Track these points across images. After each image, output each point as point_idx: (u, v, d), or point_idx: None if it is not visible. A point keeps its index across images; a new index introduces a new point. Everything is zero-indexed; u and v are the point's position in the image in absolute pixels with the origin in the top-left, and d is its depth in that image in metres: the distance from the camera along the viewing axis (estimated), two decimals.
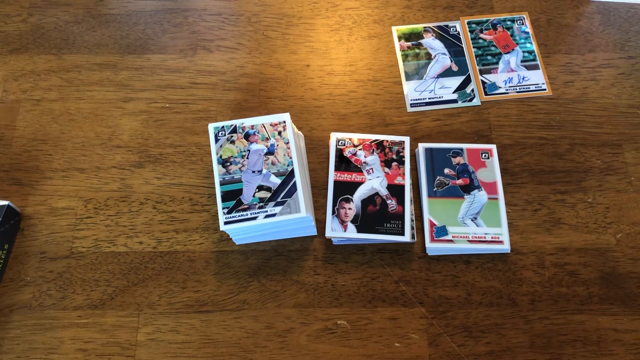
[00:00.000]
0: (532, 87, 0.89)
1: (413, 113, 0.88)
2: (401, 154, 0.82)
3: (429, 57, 0.92)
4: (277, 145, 0.75)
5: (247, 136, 0.76)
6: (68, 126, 0.87)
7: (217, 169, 0.74)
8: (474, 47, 0.92)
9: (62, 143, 0.86)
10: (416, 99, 0.89)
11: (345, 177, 0.81)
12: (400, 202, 0.79)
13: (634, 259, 0.78)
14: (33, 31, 0.94)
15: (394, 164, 0.81)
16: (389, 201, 0.79)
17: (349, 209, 0.78)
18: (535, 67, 0.91)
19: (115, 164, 0.84)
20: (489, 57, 0.92)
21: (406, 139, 0.83)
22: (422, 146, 0.83)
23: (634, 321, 0.74)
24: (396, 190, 0.80)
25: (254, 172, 0.74)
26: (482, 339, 0.74)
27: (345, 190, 0.80)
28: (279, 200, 0.72)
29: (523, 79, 0.90)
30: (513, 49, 0.92)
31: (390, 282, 0.77)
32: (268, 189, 0.73)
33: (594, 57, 0.91)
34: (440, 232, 0.78)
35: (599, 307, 0.75)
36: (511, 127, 0.86)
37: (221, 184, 0.74)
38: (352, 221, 0.78)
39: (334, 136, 0.84)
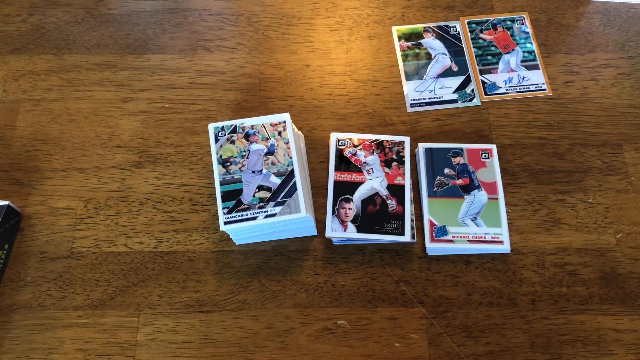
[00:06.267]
0: (532, 87, 0.89)
1: (413, 113, 0.88)
2: (401, 154, 0.82)
3: (429, 57, 0.92)
4: (277, 145, 0.75)
5: (247, 136, 0.76)
6: (68, 126, 0.87)
7: (217, 169, 0.74)
8: (474, 47, 0.92)
9: (62, 143, 0.86)
10: (416, 99, 0.89)
11: (345, 177, 0.81)
12: (400, 202, 0.79)
13: (634, 259, 0.78)
14: (33, 31, 0.94)
15: (394, 164, 0.81)
16: (389, 201, 0.79)
17: (349, 209, 0.78)
18: (535, 67, 0.91)
19: (115, 164, 0.84)
20: (489, 57, 0.92)
21: (406, 139, 0.83)
22: (422, 146, 0.83)
23: (634, 321, 0.74)
24: (396, 190, 0.80)
25: (254, 172, 0.74)
26: (482, 339, 0.74)
27: (345, 190, 0.80)
28: (279, 200, 0.72)
29: (523, 79, 0.90)
30: (513, 49, 0.92)
31: (390, 282, 0.77)
32: (268, 189, 0.73)
33: (594, 57, 0.91)
34: (440, 232, 0.78)
35: (599, 307, 0.75)
36: (511, 127, 0.86)
37: (221, 184, 0.74)
38: (352, 221, 0.78)
39: (334, 136, 0.84)
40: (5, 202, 0.78)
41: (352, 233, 0.77)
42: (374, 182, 0.80)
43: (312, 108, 0.88)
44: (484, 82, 0.90)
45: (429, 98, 0.89)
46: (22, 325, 0.75)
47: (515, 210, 0.81)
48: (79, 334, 0.74)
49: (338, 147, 0.83)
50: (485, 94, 0.89)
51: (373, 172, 0.81)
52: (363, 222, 0.77)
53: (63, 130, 0.87)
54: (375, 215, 0.78)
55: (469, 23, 0.94)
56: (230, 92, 0.89)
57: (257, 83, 0.90)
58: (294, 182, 0.73)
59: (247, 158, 0.75)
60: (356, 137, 0.84)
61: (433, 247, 0.77)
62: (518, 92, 0.89)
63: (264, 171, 0.74)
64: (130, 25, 0.95)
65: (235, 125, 0.77)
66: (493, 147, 0.83)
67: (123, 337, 0.74)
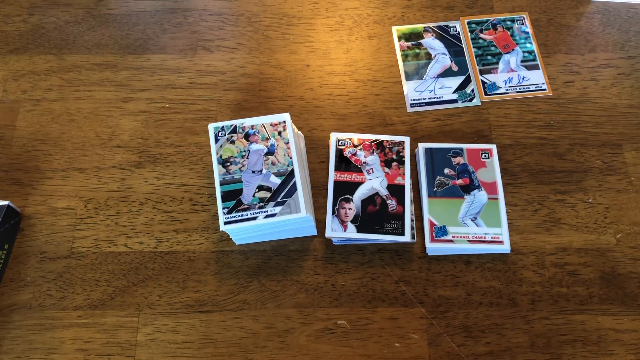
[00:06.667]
0: (532, 87, 0.89)
1: (413, 113, 0.88)
2: (401, 154, 0.82)
3: (429, 57, 0.92)
4: (277, 145, 0.75)
5: (247, 136, 0.76)
6: (68, 126, 0.87)
7: (217, 169, 0.74)
8: (474, 47, 0.92)
9: (62, 143, 0.86)
10: (416, 99, 0.89)
11: (345, 177, 0.81)
12: (400, 202, 0.79)
13: (634, 259, 0.78)
14: (33, 31, 0.94)
15: (394, 164, 0.81)
16: (389, 201, 0.79)
17: (349, 209, 0.78)
18: (535, 67, 0.91)
19: (115, 164, 0.84)
20: (489, 57, 0.92)
21: (406, 139, 0.83)
22: (422, 146, 0.83)
23: (634, 321, 0.74)
24: (396, 190, 0.80)
25: (254, 172, 0.74)
26: (482, 339, 0.74)
27: (345, 190, 0.80)
28: (279, 200, 0.72)
29: (523, 79, 0.90)
30: (513, 49, 0.92)
31: (390, 282, 0.77)
32: (268, 189, 0.73)
33: (594, 57, 0.91)
34: (440, 232, 0.78)
35: (599, 307, 0.75)
36: (511, 127, 0.86)
37: (221, 184, 0.74)
38: (352, 221, 0.78)
39: (334, 136, 0.84)
40: (5, 202, 0.78)
41: (352, 233, 0.77)
42: (374, 182, 0.80)
43: (312, 108, 0.88)
44: (484, 82, 0.90)
45: (429, 98, 0.89)
46: (22, 325, 0.75)
47: (515, 210, 0.81)
48: (79, 334, 0.74)
49: (338, 147, 0.83)
50: (485, 94, 0.89)
51: (373, 172, 0.81)
52: (363, 222, 0.77)
53: (63, 130, 0.87)
54: (375, 215, 0.78)
55: (469, 23, 0.94)
56: (230, 92, 0.89)
57: (257, 83, 0.90)
58: (294, 182, 0.73)
59: (247, 158, 0.75)
60: (356, 137, 0.84)
61: (433, 247, 0.77)
62: (518, 92, 0.89)
63: (264, 171, 0.74)
64: (130, 25, 0.95)
65: (235, 125, 0.77)
66: (493, 147, 0.83)
67: (123, 337, 0.74)
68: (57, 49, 0.93)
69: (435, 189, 0.80)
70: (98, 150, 0.85)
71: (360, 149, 0.83)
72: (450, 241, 0.77)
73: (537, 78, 0.90)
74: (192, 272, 0.78)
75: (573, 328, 0.74)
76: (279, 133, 0.76)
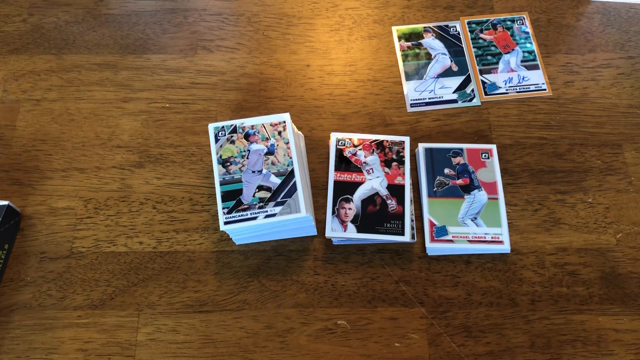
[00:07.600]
0: (532, 87, 0.89)
1: (413, 113, 0.88)
2: (401, 154, 0.82)
3: (429, 57, 0.92)
4: (277, 145, 0.75)
5: (247, 136, 0.76)
6: (68, 126, 0.87)
7: (217, 169, 0.74)
8: (474, 47, 0.92)
9: (62, 143, 0.86)
10: (416, 99, 0.89)
11: (345, 177, 0.81)
12: (400, 202, 0.79)
13: (634, 259, 0.78)
14: (33, 31, 0.94)
15: (394, 164, 0.81)
16: (389, 201, 0.79)
17: (349, 209, 0.78)
18: (535, 67, 0.91)
19: (115, 164, 0.84)
20: (489, 57, 0.92)
21: (406, 139, 0.83)
22: (422, 146, 0.83)
23: (634, 321, 0.74)
24: (396, 190, 0.80)
25: (254, 172, 0.74)
26: (482, 339, 0.74)
27: (345, 190, 0.80)
28: (279, 200, 0.72)
29: (523, 79, 0.90)
30: (513, 49, 0.92)
31: (390, 282, 0.77)
32: (268, 189, 0.73)
33: (594, 57, 0.91)
34: (440, 232, 0.78)
35: (599, 307, 0.75)
36: (511, 127, 0.86)
37: (221, 184, 0.74)
38: (352, 221, 0.78)
39: (334, 136, 0.84)
40: (5, 202, 0.78)
41: (352, 233, 0.77)
42: (374, 182, 0.80)
43: (312, 108, 0.88)
44: (484, 82, 0.90)
45: (429, 98, 0.89)
46: (22, 325, 0.75)
47: (515, 210, 0.81)
48: (79, 334, 0.74)
49: (338, 147, 0.83)
50: (485, 94, 0.89)
51: (373, 172, 0.81)
52: (363, 222, 0.77)
53: (63, 130, 0.87)
54: (375, 215, 0.78)
55: (469, 23, 0.94)
56: (230, 92, 0.89)
57: (257, 83, 0.90)
58: (294, 182, 0.73)
59: (247, 158, 0.75)
60: (356, 137, 0.84)
61: (433, 247, 0.77)
62: (518, 92, 0.89)
63: (264, 171, 0.74)
64: (130, 25, 0.95)
65: (235, 125, 0.77)
66: (493, 147, 0.83)
67: (123, 337, 0.74)
68: (57, 49, 0.93)
69: (435, 189, 0.80)
70: (98, 150, 0.85)
71: (360, 149, 0.83)
72: (450, 241, 0.77)
73: (537, 78, 0.90)
74: (192, 272, 0.78)
75: (573, 328, 0.74)
76: (279, 133, 0.76)
